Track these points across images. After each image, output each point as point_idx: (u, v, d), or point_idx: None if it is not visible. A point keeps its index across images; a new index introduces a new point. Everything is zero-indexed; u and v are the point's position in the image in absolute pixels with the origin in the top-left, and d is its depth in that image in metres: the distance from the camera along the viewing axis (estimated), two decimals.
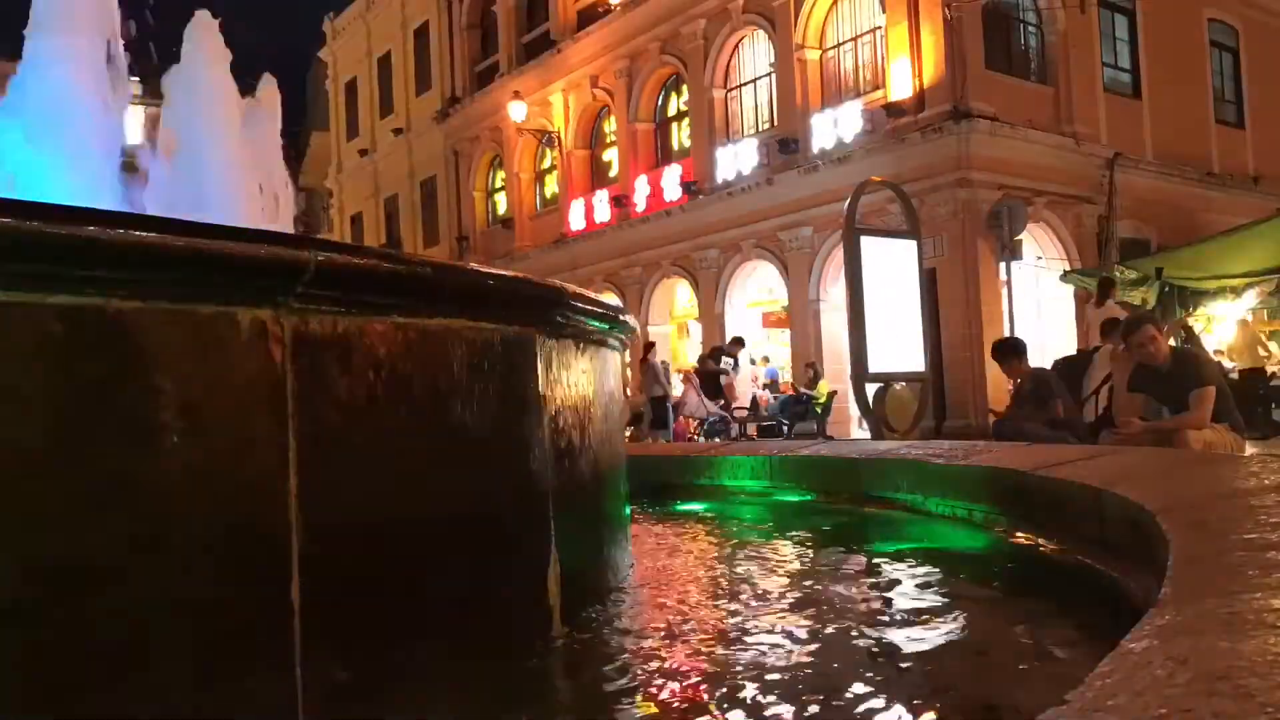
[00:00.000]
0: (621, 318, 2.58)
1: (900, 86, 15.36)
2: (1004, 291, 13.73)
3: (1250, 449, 5.56)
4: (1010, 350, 7.14)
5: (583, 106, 21.85)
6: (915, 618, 2.18)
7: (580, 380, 2.23)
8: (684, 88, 19.70)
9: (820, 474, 3.90)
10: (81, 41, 3.04)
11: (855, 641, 1.96)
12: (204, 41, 3.24)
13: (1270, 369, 11.83)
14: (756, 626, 2.07)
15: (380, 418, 1.63)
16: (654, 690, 1.70)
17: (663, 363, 14.72)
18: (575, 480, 2.17)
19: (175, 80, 3.25)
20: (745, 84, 18.69)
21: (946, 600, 2.31)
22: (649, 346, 14.56)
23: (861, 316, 10.98)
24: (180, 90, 3.20)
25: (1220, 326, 12.87)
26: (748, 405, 15.47)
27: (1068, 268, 15.28)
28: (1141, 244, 15.94)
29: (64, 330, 1.24)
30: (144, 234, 1.29)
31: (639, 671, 1.82)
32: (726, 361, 14.20)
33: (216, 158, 3.11)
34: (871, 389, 11.61)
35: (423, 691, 1.59)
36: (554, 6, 22.18)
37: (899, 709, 1.56)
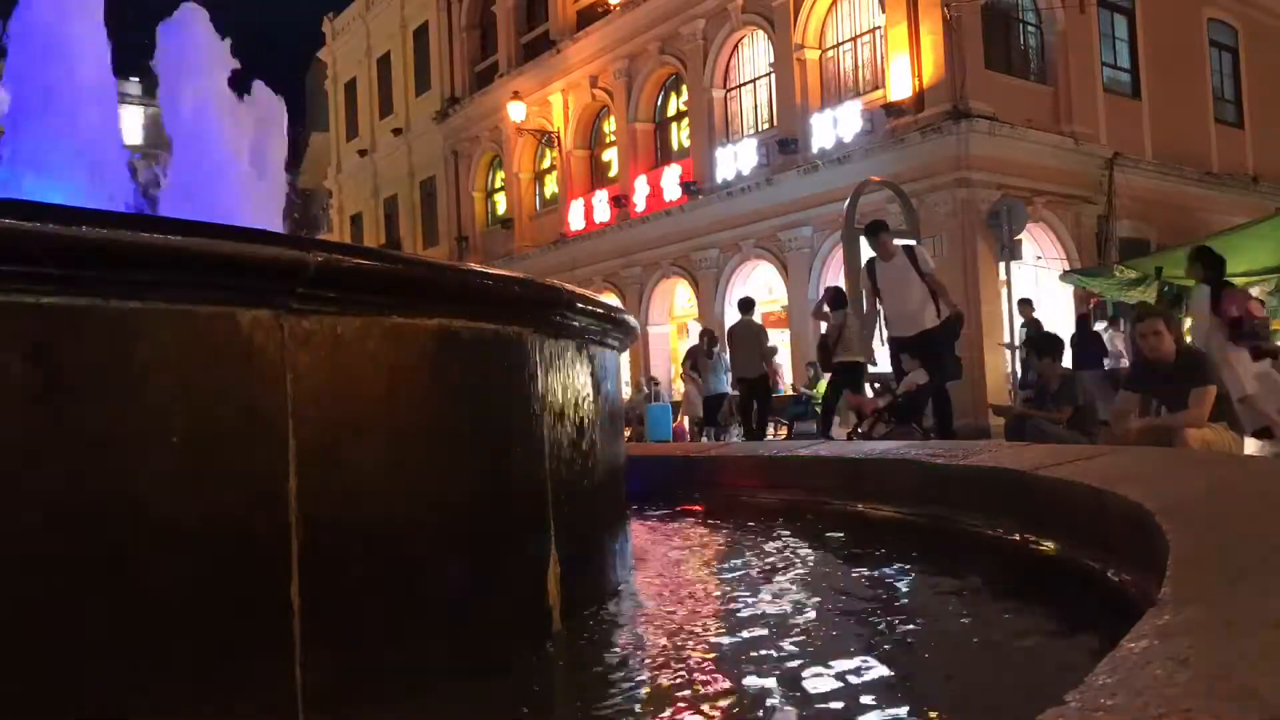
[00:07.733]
0: (620, 318, 2.58)
1: (900, 86, 15.37)
2: (1004, 291, 13.74)
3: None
4: (1044, 349, 6.74)
5: (582, 106, 21.85)
6: (913, 615, 2.18)
7: (579, 380, 2.23)
8: (683, 88, 19.72)
9: (820, 473, 3.90)
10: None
11: (854, 639, 1.96)
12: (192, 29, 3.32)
13: None
14: (756, 625, 2.07)
15: (380, 417, 1.63)
16: (653, 689, 1.70)
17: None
18: (574, 480, 2.17)
19: (164, 65, 3.34)
20: (745, 84, 18.70)
21: (945, 599, 2.30)
22: (712, 337, 13.30)
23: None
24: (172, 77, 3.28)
25: None
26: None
27: (1067, 267, 15.30)
28: (1141, 244, 15.95)
29: (62, 330, 1.24)
30: (144, 234, 1.28)
31: (638, 671, 1.83)
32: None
33: (216, 145, 3.16)
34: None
35: (423, 691, 1.59)
36: (554, 6, 22.19)
37: (896, 706, 1.56)
